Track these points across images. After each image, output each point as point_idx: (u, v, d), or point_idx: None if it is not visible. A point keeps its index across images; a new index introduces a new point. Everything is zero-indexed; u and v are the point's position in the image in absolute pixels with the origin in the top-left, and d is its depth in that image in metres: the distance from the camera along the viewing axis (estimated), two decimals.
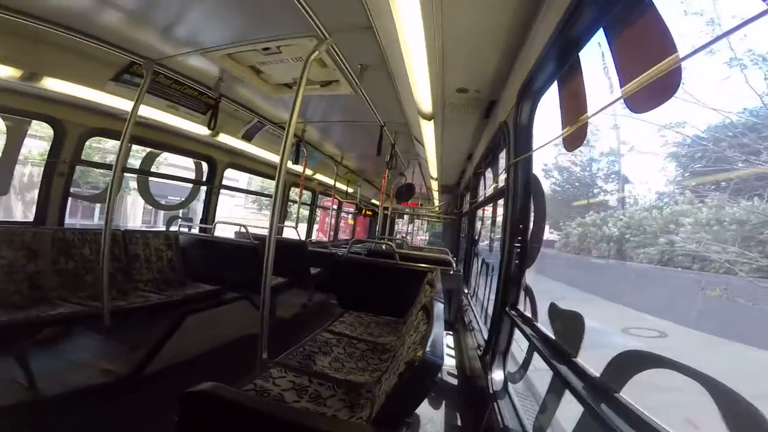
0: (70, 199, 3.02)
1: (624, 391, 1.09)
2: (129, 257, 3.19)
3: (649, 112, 1.15)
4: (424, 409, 2.49)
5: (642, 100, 1.10)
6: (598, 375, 1.20)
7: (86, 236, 2.88)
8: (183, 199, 4.44)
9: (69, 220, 3.04)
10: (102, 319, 2.41)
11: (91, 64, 2.58)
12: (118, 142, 2.60)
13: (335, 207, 8.22)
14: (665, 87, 1.03)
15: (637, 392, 1.08)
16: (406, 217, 12.56)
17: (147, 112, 3.04)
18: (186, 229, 4.00)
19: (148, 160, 3.88)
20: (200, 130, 3.52)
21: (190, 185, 4.36)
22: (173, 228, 3.98)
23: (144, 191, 3.94)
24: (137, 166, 3.91)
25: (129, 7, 2.05)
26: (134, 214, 13.28)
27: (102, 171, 8.52)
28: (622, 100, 1.18)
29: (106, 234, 2.51)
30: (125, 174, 3.65)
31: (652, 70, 1.01)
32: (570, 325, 1.60)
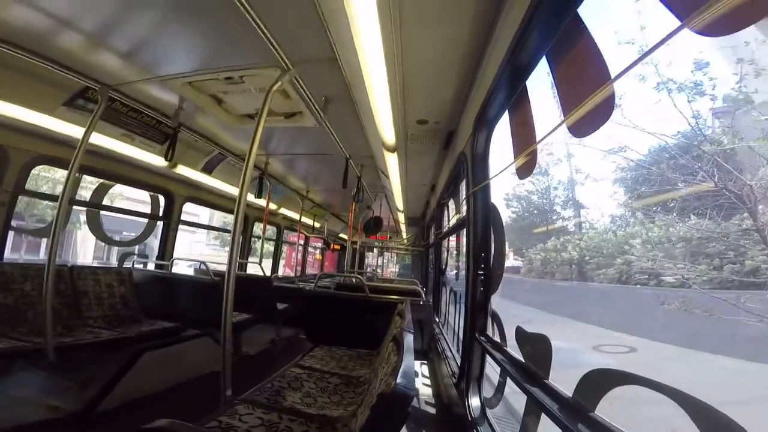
0: (11, 232, 2.79)
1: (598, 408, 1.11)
2: (77, 293, 2.97)
3: (590, 137, 1.25)
4: None
5: (582, 125, 1.20)
6: (570, 395, 1.22)
7: (28, 271, 2.66)
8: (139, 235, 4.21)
9: (11, 255, 2.79)
10: (46, 355, 2.22)
11: (42, 87, 2.47)
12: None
13: (302, 242, 8.08)
14: (601, 112, 1.13)
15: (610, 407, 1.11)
16: (375, 250, 12.52)
17: (100, 140, 2.92)
18: (141, 266, 3.76)
19: (100, 192, 3.68)
20: (157, 160, 3.42)
21: (146, 220, 4.16)
22: (127, 264, 3.73)
23: (95, 226, 3.71)
24: (88, 198, 3.69)
25: (87, 30, 2.00)
26: (85, 250, 12.40)
27: (51, 203, 8.00)
28: (565, 126, 1.27)
29: (49, 268, 2.34)
30: (75, 207, 3.44)
31: (590, 97, 1.11)
32: (538, 347, 1.63)
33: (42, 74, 2.35)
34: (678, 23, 0.74)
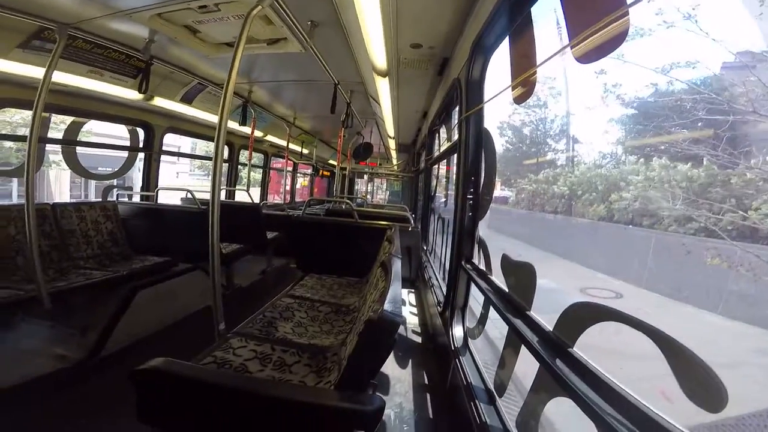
0: None
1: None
2: (63, 233, 2.91)
3: (593, 70, 1.15)
4: (392, 369, 2.57)
5: (588, 51, 1.10)
6: (551, 329, 1.23)
7: (9, 213, 2.57)
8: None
9: None
10: (41, 303, 2.23)
11: None
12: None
13: (290, 169, 7.94)
14: (612, 38, 1.03)
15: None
16: (365, 176, 12.44)
17: (65, 78, 2.72)
18: (125, 199, 3.68)
19: (73, 129, 3.46)
20: (131, 94, 3.20)
21: (123, 156, 3.97)
22: (111, 198, 3.64)
23: (72, 162, 3.55)
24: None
25: None
26: (59, 189, 12.00)
27: (13, 145, 7.58)
28: (569, 53, 1.17)
29: (29, 209, 2.25)
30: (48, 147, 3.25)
31: (600, 22, 1.00)
32: (522, 277, 1.61)
33: None
34: None
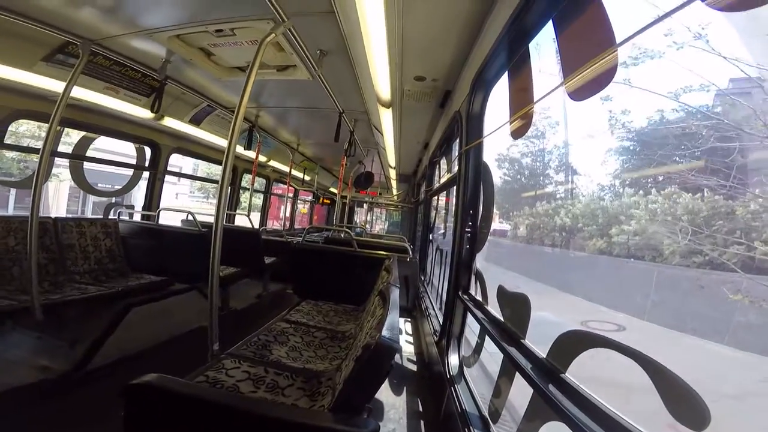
0: None
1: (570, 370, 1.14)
2: (62, 247, 2.92)
3: (590, 106, 1.22)
4: (386, 396, 2.51)
5: (581, 89, 1.17)
6: (544, 356, 1.25)
7: (10, 225, 2.60)
8: (120, 186, 4.11)
9: None
10: (33, 314, 2.21)
11: (19, 43, 2.34)
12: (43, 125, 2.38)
13: (291, 195, 8.03)
14: (602, 76, 1.10)
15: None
16: (365, 205, 12.55)
17: (83, 93, 2.81)
18: (127, 217, 3.71)
19: (83, 144, 3.54)
20: (142, 113, 3.29)
21: (124, 174, 4.03)
22: (113, 216, 3.67)
23: (78, 177, 3.60)
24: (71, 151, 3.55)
25: None
26: (57, 203, 12.01)
27: (15, 155, 7.66)
28: (564, 90, 1.24)
29: (33, 222, 2.28)
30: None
31: (592, 61, 1.07)
32: (517, 307, 1.64)
33: (17, 31, 2.22)
34: None
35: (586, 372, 1.19)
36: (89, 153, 3.65)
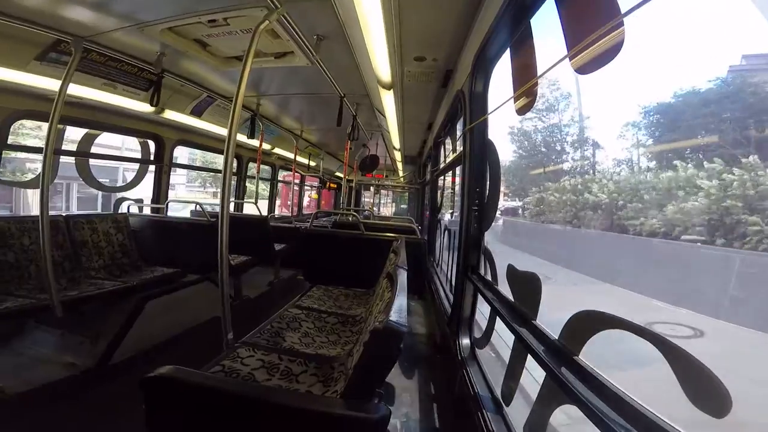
0: None
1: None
2: (75, 244, 2.99)
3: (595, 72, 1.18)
4: (398, 379, 2.55)
5: (587, 62, 1.12)
6: (556, 338, 1.24)
7: (24, 224, 2.66)
8: (124, 182, 4.15)
9: None
10: (53, 311, 2.28)
11: (10, 44, 2.33)
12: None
13: (297, 181, 8.03)
14: (609, 48, 1.05)
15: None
16: (371, 188, 12.51)
17: (80, 91, 2.80)
18: (136, 210, 3.76)
19: (87, 141, 3.57)
20: (143, 107, 3.29)
21: (111, 166, 4.04)
22: (122, 210, 3.72)
23: (85, 174, 3.64)
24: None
25: None
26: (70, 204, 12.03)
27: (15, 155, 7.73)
28: (569, 62, 1.20)
29: (43, 220, 2.32)
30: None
31: (596, 33, 1.03)
32: (528, 287, 1.61)
33: (7, 32, 2.21)
34: None
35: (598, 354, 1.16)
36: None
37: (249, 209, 5.54)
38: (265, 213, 5.44)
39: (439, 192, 5.73)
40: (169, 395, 1.12)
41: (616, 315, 1.09)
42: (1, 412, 1.95)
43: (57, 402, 2.08)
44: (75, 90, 2.67)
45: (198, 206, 3.81)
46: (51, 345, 2.55)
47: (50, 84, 2.58)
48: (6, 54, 2.36)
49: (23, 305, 2.26)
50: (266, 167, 6.63)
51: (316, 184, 9.56)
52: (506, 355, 1.67)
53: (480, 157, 2.32)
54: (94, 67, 2.75)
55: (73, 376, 2.29)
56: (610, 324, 1.12)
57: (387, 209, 15.92)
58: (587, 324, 1.17)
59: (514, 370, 1.60)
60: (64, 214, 3.00)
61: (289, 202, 7.91)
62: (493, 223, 2.39)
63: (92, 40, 2.49)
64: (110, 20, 2.27)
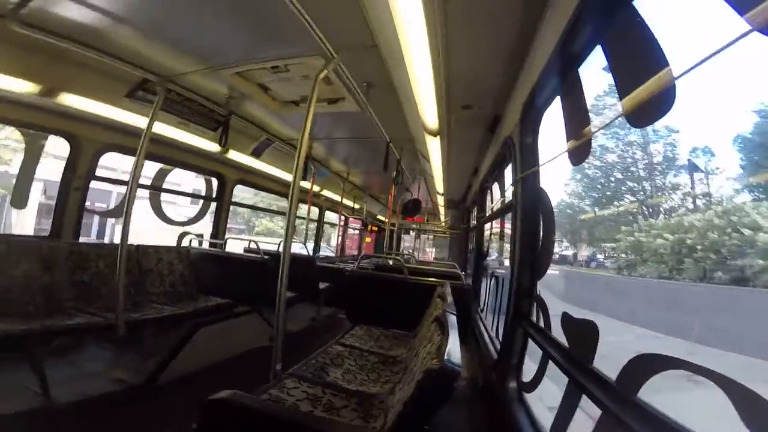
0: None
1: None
2: (142, 271, 3.24)
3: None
4: (443, 420, 2.47)
5: (641, 115, 1.14)
6: (613, 380, 1.20)
7: (101, 250, 2.94)
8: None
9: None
10: (116, 330, 2.45)
11: (106, 81, 2.66)
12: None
13: (342, 224, 8.27)
14: (661, 103, 1.07)
15: None
16: (412, 233, 12.54)
17: (159, 128, 3.08)
18: (197, 244, 4.06)
19: (160, 177, 3.98)
20: (211, 146, 3.60)
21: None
22: (184, 244, 4.03)
23: (156, 207, 4.03)
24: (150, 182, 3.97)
25: (142, 25, 2.14)
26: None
27: None
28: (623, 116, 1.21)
29: (122, 248, 2.57)
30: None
31: (646, 86, 1.05)
32: (584, 333, 1.57)
33: (105, 69, 2.52)
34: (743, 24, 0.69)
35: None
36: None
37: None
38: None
39: (485, 238, 5.63)
40: (224, 417, 1.18)
41: (673, 356, 1.05)
42: (50, 420, 2.09)
43: (103, 414, 2.20)
44: (156, 127, 2.88)
45: (253, 243, 4.04)
46: (106, 361, 2.74)
47: (135, 120, 2.88)
48: (100, 89, 2.67)
49: (91, 322, 2.45)
50: (314, 208, 6.92)
51: (358, 226, 9.76)
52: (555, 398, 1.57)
53: (532, 206, 2.31)
54: (171, 106, 3.04)
55: (121, 391, 2.43)
56: (668, 365, 1.07)
57: (425, 254, 15.73)
58: (645, 366, 1.13)
59: (564, 413, 1.53)
60: (135, 244, 3.29)
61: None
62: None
63: (173, 80, 2.78)
64: (188, 62, 2.54)
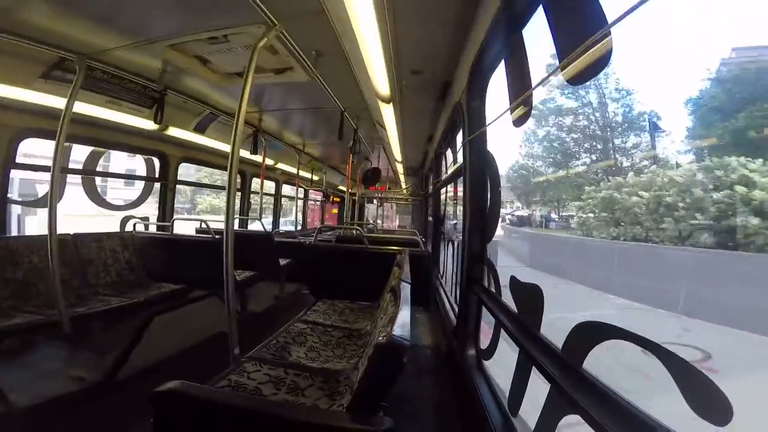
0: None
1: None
2: (83, 262, 3.03)
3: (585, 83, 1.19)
4: (403, 392, 2.52)
5: (578, 73, 1.14)
6: (559, 348, 1.23)
7: (32, 243, 2.70)
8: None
9: None
10: (61, 327, 2.31)
11: (16, 62, 2.39)
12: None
13: (301, 196, 8.10)
14: (598, 61, 1.08)
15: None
16: (375, 201, 12.56)
17: (86, 108, 2.86)
18: (143, 229, 3.81)
19: (92, 160, 3.64)
20: (147, 124, 3.35)
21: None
22: (128, 228, 3.77)
23: (92, 192, 3.71)
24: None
25: (55, 0, 1.92)
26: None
27: None
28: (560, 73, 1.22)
29: (51, 239, 2.37)
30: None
31: (584, 44, 1.05)
32: (530, 298, 1.61)
33: (13, 50, 2.26)
34: None
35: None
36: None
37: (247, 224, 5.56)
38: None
39: (441, 204, 5.74)
40: (177, 409, 1.14)
41: (617, 326, 1.08)
42: (10, 425, 1.99)
43: (64, 415, 2.10)
44: (81, 108, 2.70)
45: (203, 223, 3.85)
46: (60, 360, 2.58)
47: (55, 102, 2.62)
48: (11, 72, 2.41)
49: (32, 321, 2.29)
50: (270, 182, 6.70)
51: (319, 198, 9.62)
52: (511, 364, 1.64)
53: (480, 168, 2.34)
54: (98, 85, 2.80)
55: (80, 390, 2.32)
56: (611, 335, 1.10)
57: (391, 222, 15.88)
58: (589, 334, 1.17)
59: (519, 381, 1.58)
60: (71, 233, 3.04)
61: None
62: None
63: (96, 58, 2.54)
64: (113, 38, 2.32)
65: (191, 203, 26.42)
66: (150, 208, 4.39)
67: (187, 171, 4.26)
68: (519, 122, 1.75)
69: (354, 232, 4.47)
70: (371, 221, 11.67)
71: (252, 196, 5.90)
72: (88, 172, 3.63)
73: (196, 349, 3.05)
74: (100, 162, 3.77)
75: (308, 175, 7.18)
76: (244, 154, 4.68)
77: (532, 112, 1.74)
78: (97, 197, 3.74)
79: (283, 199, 7.08)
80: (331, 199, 9.80)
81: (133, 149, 3.79)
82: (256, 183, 5.75)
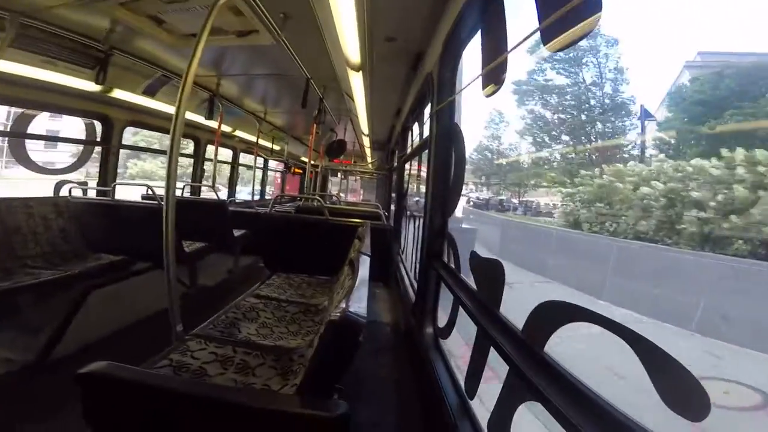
0: None
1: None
2: (7, 230, 2.69)
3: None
4: (360, 372, 2.48)
5: (558, 39, 1.09)
6: (520, 329, 1.16)
7: None
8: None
9: None
10: None
11: None
12: None
13: (260, 165, 7.75)
14: (581, 27, 1.02)
15: None
16: (339, 174, 12.33)
17: (15, 68, 2.56)
18: (81, 194, 3.44)
19: (22, 122, 3.21)
20: (87, 85, 3.03)
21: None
22: (63, 193, 3.39)
23: (20, 156, 3.29)
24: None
25: None
26: None
27: None
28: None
29: None
30: None
31: (566, 7, 0.98)
32: (491, 274, 1.53)
33: None
34: None
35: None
36: None
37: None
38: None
39: (406, 178, 5.70)
40: (105, 392, 1.03)
41: (583, 306, 1.00)
42: None
43: None
44: (9, 67, 2.46)
45: (148, 189, 3.55)
46: None
47: None
48: None
49: None
50: (228, 150, 6.33)
51: (280, 168, 9.28)
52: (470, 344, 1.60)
53: (446, 142, 2.28)
54: (32, 44, 2.50)
55: (9, 373, 2.13)
56: (577, 316, 1.02)
57: (356, 197, 15.68)
58: (552, 315, 1.09)
59: (476, 362, 1.53)
60: None
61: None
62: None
63: (32, 16, 2.26)
64: None
65: (123, 167, 24.53)
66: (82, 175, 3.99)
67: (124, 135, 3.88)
68: (490, 93, 1.67)
69: (315, 203, 4.33)
70: (333, 194, 11.49)
71: (207, 164, 5.55)
72: (17, 134, 3.21)
73: (140, 326, 2.87)
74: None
75: (269, 145, 6.85)
76: (198, 119, 4.36)
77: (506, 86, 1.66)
78: (26, 161, 3.33)
79: (244, 170, 6.73)
80: (292, 170, 9.48)
81: (71, 111, 3.41)
82: (211, 151, 5.41)
